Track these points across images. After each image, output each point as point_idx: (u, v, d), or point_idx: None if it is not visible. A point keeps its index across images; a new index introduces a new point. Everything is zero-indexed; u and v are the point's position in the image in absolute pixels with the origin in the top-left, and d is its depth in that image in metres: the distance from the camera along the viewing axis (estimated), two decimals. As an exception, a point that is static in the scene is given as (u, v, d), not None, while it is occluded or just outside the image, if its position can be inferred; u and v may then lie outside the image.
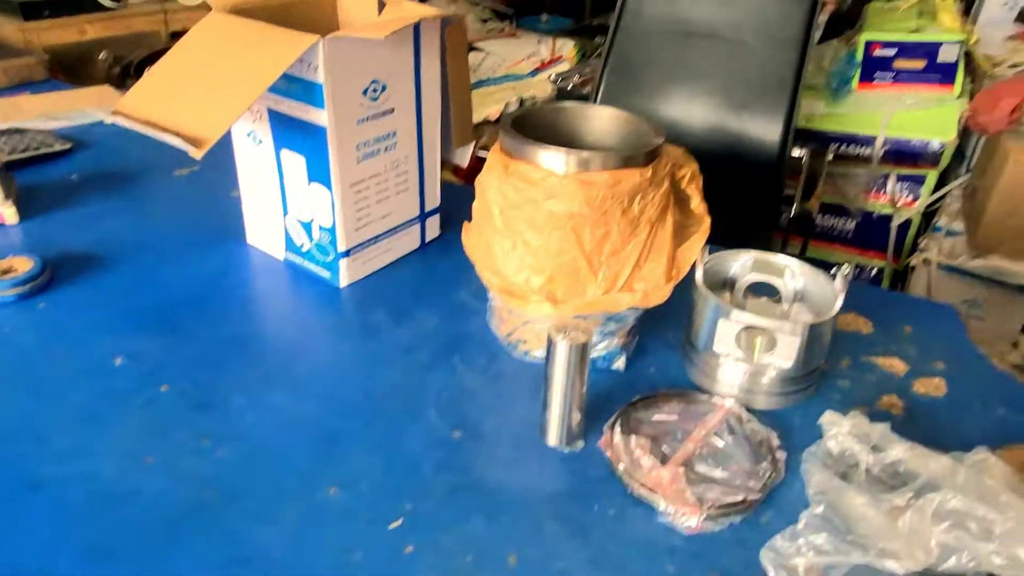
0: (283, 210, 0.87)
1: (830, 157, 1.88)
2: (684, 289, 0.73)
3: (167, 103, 0.71)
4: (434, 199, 0.94)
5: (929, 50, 1.79)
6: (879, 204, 1.99)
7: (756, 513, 0.59)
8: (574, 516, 0.58)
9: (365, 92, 0.79)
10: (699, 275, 0.71)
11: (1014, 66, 1.88)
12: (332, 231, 0.83)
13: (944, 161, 1.86)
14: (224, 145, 1.26)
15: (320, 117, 0.76)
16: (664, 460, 0.62)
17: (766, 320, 0.67)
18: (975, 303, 1.75)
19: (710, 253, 0.75)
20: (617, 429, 0.65)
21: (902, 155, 1.87)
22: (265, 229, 0.91)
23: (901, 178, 1.95)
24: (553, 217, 0.67)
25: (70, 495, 0.58)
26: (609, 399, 0.69)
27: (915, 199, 1.97)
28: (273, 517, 0.57)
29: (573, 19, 2.71)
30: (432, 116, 0.88)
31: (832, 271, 0.72)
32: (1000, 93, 1.74)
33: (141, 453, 0.62)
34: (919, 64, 1.81)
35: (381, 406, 0.69)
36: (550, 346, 0.61)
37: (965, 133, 1.90)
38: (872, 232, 2.01)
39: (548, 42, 2.36)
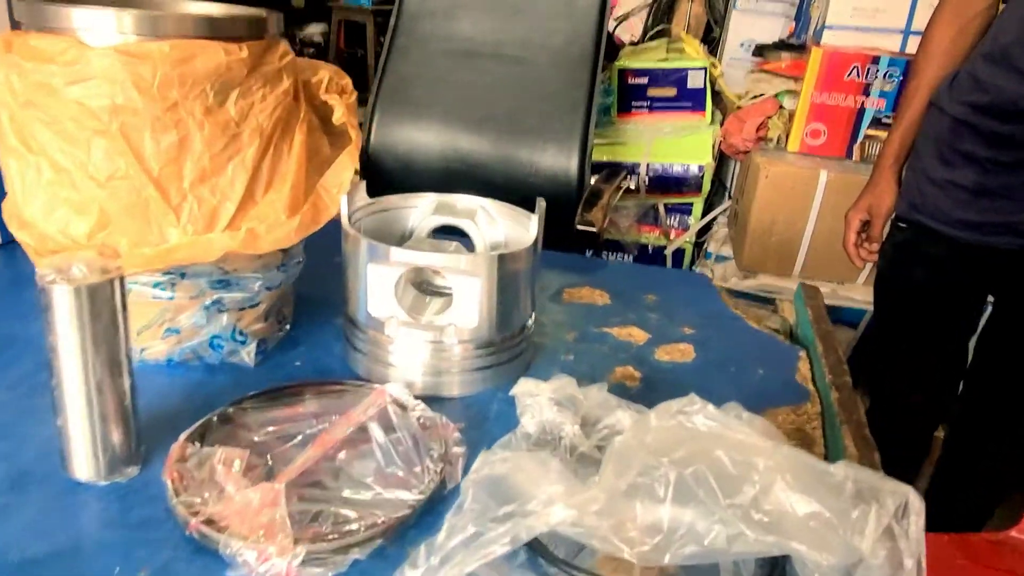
0: None
1: (631, 185, 1.81)
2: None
3: None
4: None
5: (678, 77, 1.80)
6: (652, 236, 1.96)
7: (402, 536, 0.36)
8: (63, 590, 0.32)
9: None
10: (344, 210, 0.49)
11: (756, 96, 1.95)
12: None
13: (705, 186, 1.86)
14: None
15: None
16: (270, 476, 0.38)
17: (432, 256, 0.46)
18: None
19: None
20: (195, 443, 0.40)
21: (667, 182, 1.85)
22: None
23: (670, 209, 1.92)
24: (86, 114, 0.42)
25: None
26: (214, 405, 0.44)
27: (685, 229, 1.94)
28: None
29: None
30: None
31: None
32: (745, 115, 1.77)
33: None
34: (671, 92, 1.82)
35: None
36: (42, 298, 0.36)
37: (723, 163, 1.93)
38: (649, 264, 1.96)
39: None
